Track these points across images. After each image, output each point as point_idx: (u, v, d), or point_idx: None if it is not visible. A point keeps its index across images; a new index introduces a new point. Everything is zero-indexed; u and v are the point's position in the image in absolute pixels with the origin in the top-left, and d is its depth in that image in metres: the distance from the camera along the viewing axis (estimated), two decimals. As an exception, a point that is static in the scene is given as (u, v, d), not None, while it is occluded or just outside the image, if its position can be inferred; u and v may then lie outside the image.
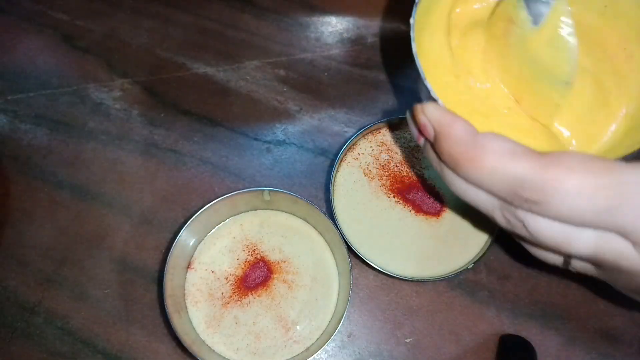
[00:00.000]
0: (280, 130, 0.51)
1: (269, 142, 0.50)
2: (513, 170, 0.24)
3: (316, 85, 0.53)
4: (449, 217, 0.44)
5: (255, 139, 0.50)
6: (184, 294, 0.42)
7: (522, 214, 0.25)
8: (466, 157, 0.25)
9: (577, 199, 0.23)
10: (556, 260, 0.29)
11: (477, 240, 0.43)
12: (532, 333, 0.43)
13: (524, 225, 0.25)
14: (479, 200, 0.27)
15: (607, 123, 0.29)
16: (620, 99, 0.29)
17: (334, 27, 0.56)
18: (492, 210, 0.27)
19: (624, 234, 0.24)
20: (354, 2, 0.57)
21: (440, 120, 0.26)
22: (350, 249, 0.41)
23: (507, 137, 0.25)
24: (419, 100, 0.29)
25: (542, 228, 0.25)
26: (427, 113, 0.26)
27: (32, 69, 0.53)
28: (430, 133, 0.27)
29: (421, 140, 0.29)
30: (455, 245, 0.43)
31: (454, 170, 0.26)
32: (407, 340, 0.43)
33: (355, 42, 0.55)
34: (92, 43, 0.54)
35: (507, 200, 0.25)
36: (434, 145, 0.27)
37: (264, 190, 0.42)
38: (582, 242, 0.25)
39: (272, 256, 0.43)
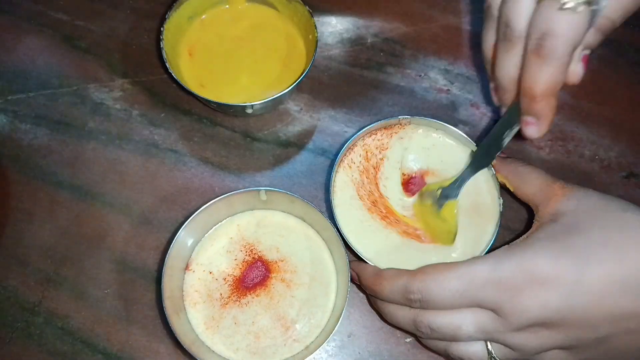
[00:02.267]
0: (280, 130, 0.51)
1: (269, 142, 0.50)
2: (399, 283, 0.37)
3: (316, 86, 0.53)
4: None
5: (255, 139, 0.50)
6: (183, 296, 0.42)
7: (420, 316, 0.36)
8: (374, 284, 0.39)
9: (443, 288, 0.35)
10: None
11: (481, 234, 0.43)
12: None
13: (427, 324, 0.36)
14: (398, 317, 0.39)
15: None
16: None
17: (333, 27, 0.56)
18: (408, 324, 0.38)
19: (481, 306, 0.34)
20: (354, 2, 0.57)
21: (359, 267, 0.41)
22: (349, 248, 0.41)
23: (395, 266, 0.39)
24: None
25: (436, 319, 0.36)
26: (354, 268, 0.41)
27: (33, 69, 0.53)
28: (355, 277, 0.41)
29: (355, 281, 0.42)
30: (458, 241, 0.43)
31: (371, 293, 0.40)
32: (407, 340, 0.43)
33: (355, 42, 0.55)
34: (92, 43, 0.54)
35: (405, 304, 0.37)
36: (359, 282, 0.42)
37: (260, 190, 0.42)
38: (467, 321, 0.35)
39: (270, 256, 0.43)
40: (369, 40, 0.55)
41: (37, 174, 0.49)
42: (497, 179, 0.44)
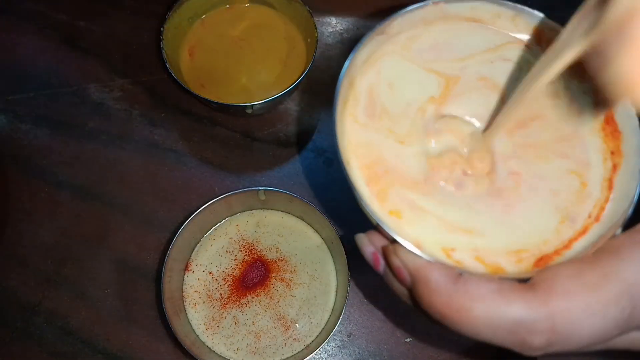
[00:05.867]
0: (280, 130, 0.51)
1: (269, 142, 0.50)
2: (511, 314, 0.21)
3: (316, 86, 0.53)
4: None
5: (255, 139, 0.50)
6: (183, 296, 0.42)
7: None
8: (452, 308, 0.22)
9: (592, 321, 0.21)
10: None
11: None
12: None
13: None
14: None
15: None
16: None
17: (334, 27, 0.56)
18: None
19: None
20: (354, 2, 0.57)
21: (417, 264, 0.23)
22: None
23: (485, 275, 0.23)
24: None
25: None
26: (401, 256, 0.24)
27: (33, 69, 0.53)
28: (406, 279, 0.24)
29: (380, 268, 0.26)
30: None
31: (440, 322, 0.23)
32: (407, 340, 0.43)
33: (356, 42, 0.55)
34: (92, 43, 0.54)
35: (516, 350, 0.22)
36: (410, 291, 0.24)
37: (259, 189, 0.42)
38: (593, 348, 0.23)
39: (269, 255, 0.43)
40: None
41: (37, 174, 0.49)
42: None
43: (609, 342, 0.22)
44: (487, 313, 0.21)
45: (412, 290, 0.24)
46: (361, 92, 0.30)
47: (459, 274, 0.22)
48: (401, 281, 0.24)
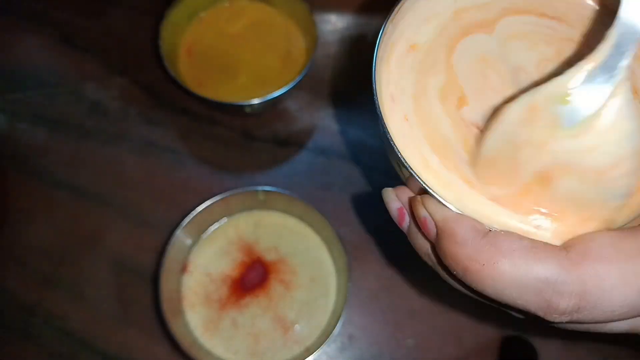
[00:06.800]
0: (279, 130, 0.50)
1: (268, 142, 0.50)
2: (540, 272, 0.19)
3: (316, 84, 0.52)
4: None
5: (254, 139, 0.50)
6: (181, 298, 0.42)
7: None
8: (477, 261, 0.20)
9: (624, 290, 0.19)
10: None
11: None
12: (534, 334, 0.42)
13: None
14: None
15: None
16: None
17: (334, 25, 0.55)
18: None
19: None
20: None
21: (445, 216, 0.22)
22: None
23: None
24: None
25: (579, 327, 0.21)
26: (429, 207, 0.22)
27: (30, 68, 0.53)
28: (431, 230, 0.22)
29: (404, 224, 0.25)
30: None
31: (462, 277, 0.21)
32: (409, 342, 0.43)
33: (356, 40, 0.55)
34: (90, 42, 0.54)
35: (539, 314, 0.20)
36: (434, 245, 0.23)
37: (258, 190, 0.42)
38: (618, 326, 0.22)
39: (269, 256, 0.43)
40: (369, 38, 0.55)
41: (34, 173, 0.49)
42: None
43: (637, 321, 0.21)
44: (515, 268, 0.19)
45: (436, 244, 0.22)
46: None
47: (488, 230, 0.21)
48: (426, 233, 0.23)
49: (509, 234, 0.21)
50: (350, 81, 0.53)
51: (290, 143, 0.50)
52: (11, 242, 0.46)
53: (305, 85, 0.52)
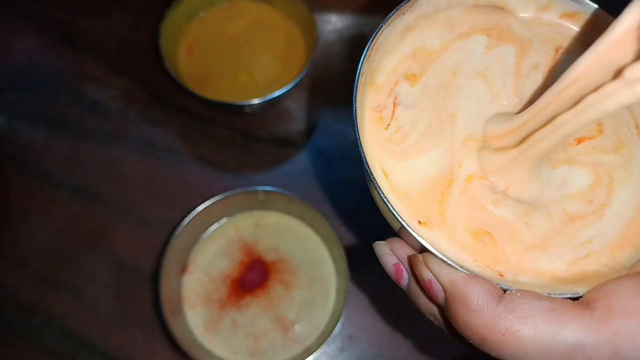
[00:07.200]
0: (279, 129, 0.50)
1: (268, 142, 0.50)
2: (567, 337, 0.18)
3: (316, 84, 0.52)
4: None
5: (254, 138, 0.50)
6: (181, 298, 0.42)
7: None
8: (496, 330, 0.18)
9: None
10: None
11: None
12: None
13: None
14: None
15: None
16: None
17: (333, 25, 0.55)
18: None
19: None
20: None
21: (453, 278, 0.19)
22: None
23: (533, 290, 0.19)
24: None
25: None
26: (433, 268, 0.20)
27: (30, 68, 0.53)
28: (439, 294, 0.20)
29: (403, 281, 0.23)
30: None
31: (479, 346, 0.19)
32: (409, 342, 0.43)
33: (356, 40, 0.54)
34: (90, 42, 0.54)
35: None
36: (443, 309, 0.21)
37: (258, 190, 0.42)
38: None
39: (269, 256, 0.43)
40: (369, 38, 0.54)
41: (34, 173, 0.49)
42: None
43: None
44: (538, 336, 0.18)
45: (445, 309, 0.20)
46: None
47: (503, 291, 0.19)
48: (432, 297, 0.21)
49: (525, 295, 0.19)
50: (350, 81, 0.52)
51: (290, 143, 0.50)
52: (11, 242, 0.46)
53: (305, 85, 0.52)
